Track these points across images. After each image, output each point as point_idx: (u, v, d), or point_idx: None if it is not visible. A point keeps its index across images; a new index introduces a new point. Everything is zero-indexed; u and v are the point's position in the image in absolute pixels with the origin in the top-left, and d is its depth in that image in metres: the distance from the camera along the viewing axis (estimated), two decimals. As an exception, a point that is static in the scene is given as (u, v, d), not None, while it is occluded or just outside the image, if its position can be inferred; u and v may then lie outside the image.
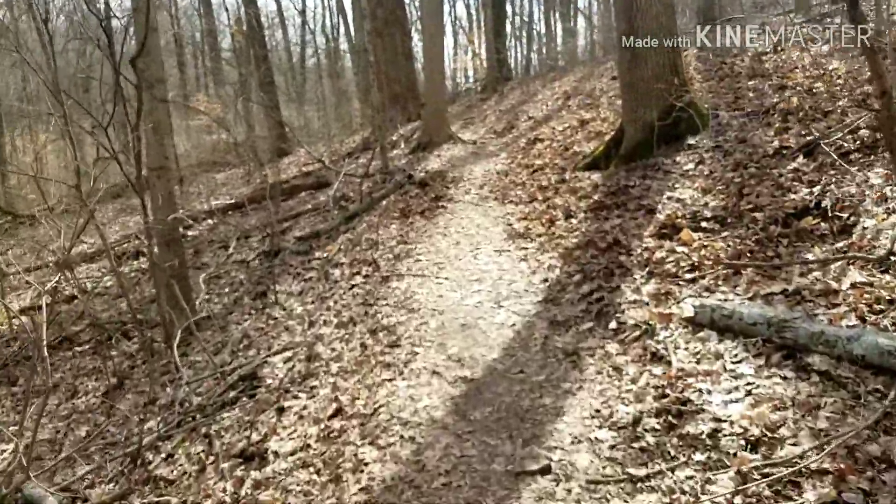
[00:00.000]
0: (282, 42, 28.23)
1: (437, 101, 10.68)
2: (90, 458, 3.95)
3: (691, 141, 5.89)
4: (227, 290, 6.74)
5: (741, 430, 2.26)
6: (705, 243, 3.96)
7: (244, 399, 3.79)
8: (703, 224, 4.26)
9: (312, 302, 5.17)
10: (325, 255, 6.60)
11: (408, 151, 10.88)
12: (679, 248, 3.95)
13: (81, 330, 6.86)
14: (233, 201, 10.91)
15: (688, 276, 3.62)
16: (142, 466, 3.41)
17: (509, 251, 5.17)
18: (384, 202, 7.91)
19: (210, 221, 10.49)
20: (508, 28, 22.62)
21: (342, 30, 27.51)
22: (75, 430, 4.46)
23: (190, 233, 10.41)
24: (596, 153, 6.82)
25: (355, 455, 2.60)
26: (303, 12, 29.07)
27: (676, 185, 5.16)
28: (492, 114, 13.26)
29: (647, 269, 3.86)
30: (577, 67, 15.09)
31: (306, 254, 6.97)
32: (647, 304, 3.46)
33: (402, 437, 2.67)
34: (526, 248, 5.12)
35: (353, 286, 5.11)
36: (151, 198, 5.41)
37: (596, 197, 5.72)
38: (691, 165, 5.40)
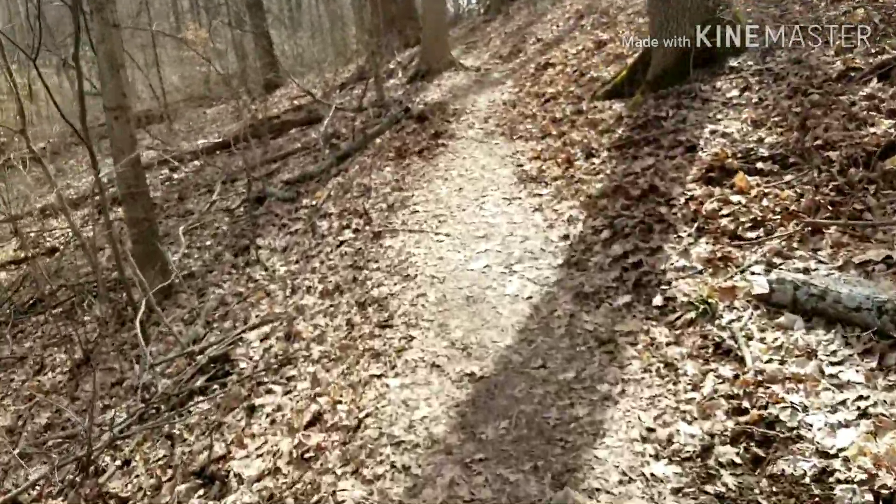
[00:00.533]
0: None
1: (436, 24, 9.47)
2: (48, 454, 3.40)
3: (733, 63, 4.92)
4: (209, 242, 6.03)
5: (863, 475, 1.59)
6: (766, 190, 3.16)
7: (214, 387, 3.17)
8: (760, 165, 3.44)
9: (297, 261, 4.47)
10: (313, 202, 5.84)
11: (405, 80, 9.80)
12: (734, 198, 3.16)
13: (56, 290, 6.24)
14: (220, 140, 9.99)
15: (749, 234, 2.85)
16: (94, 476, 2.84)
17: (520, 199, 4.38)
18: (379, 140, 7.03)
19: (196, 163, 9.67)
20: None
21: (333, -53, 25.24)
22: (36, 416, 3.90)
23: (176, 175, 9.62)
24: (617, 79, 5.85)
25: (334, 493, 1.97)
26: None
27: (719, 117, 4.28)
28: (496, 37, 11.99)
29: (694, 224, 3.09)
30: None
31: (293, 201, 6.20)
32: (701, 272, 2.73)
33: (393, 465, 2.03)
34: (540, 195, 4.33)
35: (341, 243, 4.38)
36: (111, 142, 4.60)
37: (621, 131, 4.85)
38: (736, 92, 4.49)
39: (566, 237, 3.56)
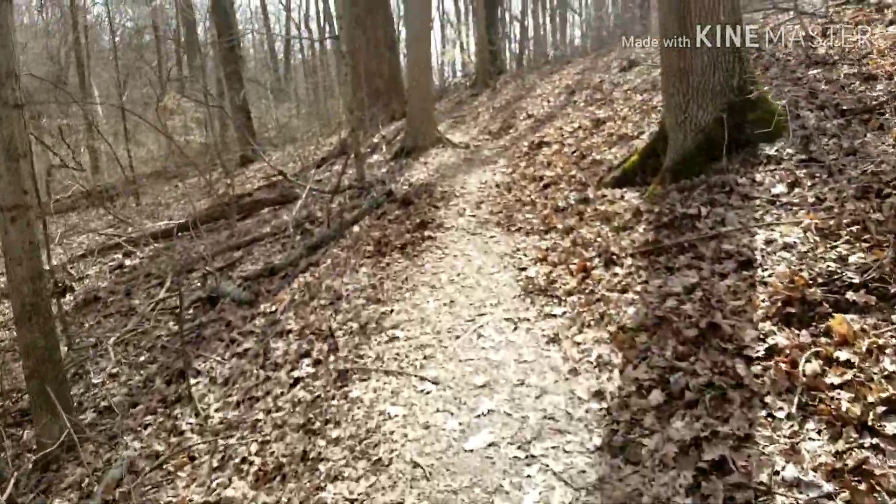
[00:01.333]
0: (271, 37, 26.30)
1: (422, 99, 8.84)
2: None
3: (769, 150, 4.14)
4: (144, 356, 4.92)
5: None
6: (880, 342, 2.23)
7: None
8: (852, 297, 2.52)
9: (239, 403, 3.39)
10: (273, 308, 4.82)
11: (389, 157, 9.05)
12: (839, 354, 2.22)
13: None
14: (183, 221, 9.03)
15: (888, 425, 1.89)
16: None
17: (528, 321, 3.41)
18: (357, 227, 6.12)
19: (155, 246, 8.67)
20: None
21: (323, 20, 25.65)
22: None
23: (128, 262, 8.57)
24: (627, 164, 5.07)
25: None
26: (287, 7, 26.98)
27: (769, 219, 3.42)
28: (485, 111, 11.46)
29: (793, 396, 2.12)
30: (575, 59, 13.30)
31: (251, 304, 5.17)
32: (830, 497, 1.73)
33: None
34: (554, 317, 3.36)
35: (296, 381, 3.33)
36: (3, 250, 3.58)
37: (642, 229, 3.98)
38: (782, 188, 3.66)
39: (599, 395, 2.55)
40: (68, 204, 13.17)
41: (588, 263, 3.77)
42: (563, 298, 3.54)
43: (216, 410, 3.38)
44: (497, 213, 5.59)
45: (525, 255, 4.39)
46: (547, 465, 2.19)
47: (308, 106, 18.64)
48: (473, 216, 5.69)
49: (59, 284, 8.34)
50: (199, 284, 6.31)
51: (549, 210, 5.14)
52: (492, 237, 5.03)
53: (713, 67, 4.30)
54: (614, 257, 3.74)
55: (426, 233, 5.23)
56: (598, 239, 4.11)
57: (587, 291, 3.50)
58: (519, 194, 5.91)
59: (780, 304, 2.61)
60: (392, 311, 3.84)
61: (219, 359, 4.07)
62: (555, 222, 4.78)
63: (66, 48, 22.45)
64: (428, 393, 2.80)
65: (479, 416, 2.56)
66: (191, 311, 5.72)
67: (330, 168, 9.98)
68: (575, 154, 6.25)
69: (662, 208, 4.10)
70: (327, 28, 23.02)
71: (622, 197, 4.69)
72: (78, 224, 11.87)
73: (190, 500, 2.58)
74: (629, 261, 3.64)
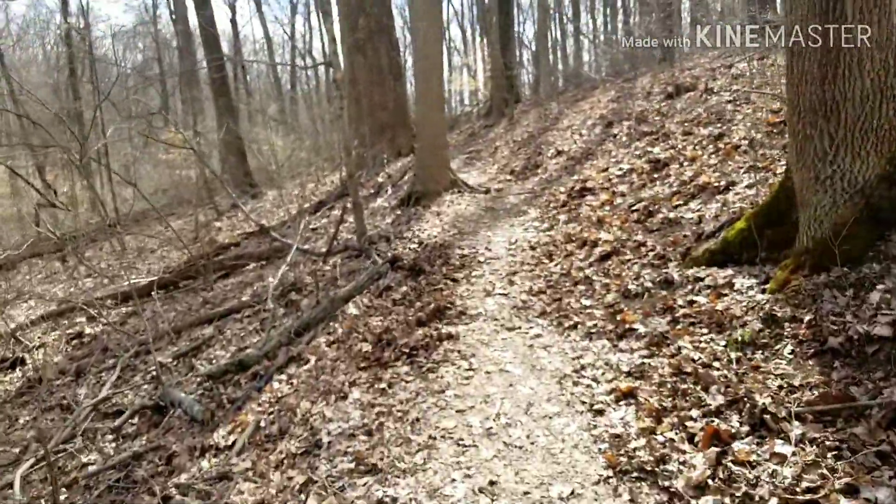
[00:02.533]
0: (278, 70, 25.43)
1: (434, 136, 7.41)
2: None
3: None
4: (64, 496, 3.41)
5: None
6: None
7: None
8: None
9: None
10: (230, 438, 3.33)
11: (395, 202, 7.61)
12: None
13: None
14: (156, 278, 7.58)
15: None
16: None
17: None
18: (352, 306, 4.63)
19: (124, 310, 7.26)
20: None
21: (328, 49, 24.68)
22: None
23: (89, 329, 7.13)
24: (730, 234, 3.54)
25: None
26: (292, 36, 26.15)
27: None
28: (503, 145, 10.04)
29: None
30: (602, 84, 11.91)
31: (203, 424, 3.69)
32: None
33: None
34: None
35: None
36: None
37: (789, 354, 2.45)
38: None
39: None
40: (28, 253, 11.75)
41: (720, 427, 2.23)
42: (691, 497, 1.99)
43: None
44: (539, 294, 4.07)
45: (596, 383, 2.86)
46: None
47: (311, 138, 17.36)
48: (506, 296, 4.19)
49: (9, 356, 6.92)
50: (150, 379, 4.83)
51: (616, 295, 3.62)
52: (537, 336, 3.50)
53: (880, 97, 2.81)
54: (766, 417, 2.19)
55: (443, 328, 3.72)
56: (719, 368, 2.57)
57: (731, 484, 1.96)
58: (565, 264, 4.40)
59: None
60: (394, 491, 2.31)
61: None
62: (630, 320, 3.26)
63: (71, 81, 21.71)
64: None
65: None
66: (135, 422, 4.25)
67: (328, 213, 8.56)
68: (635, 209, 4.75)
69: (819, 316, 2.57)
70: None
71: (731, 284, 3.17)
72: (33, 280, 10.47)
73: None
74: (796, 429, 2.10)
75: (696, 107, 6.65)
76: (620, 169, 5.87)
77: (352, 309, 4.55)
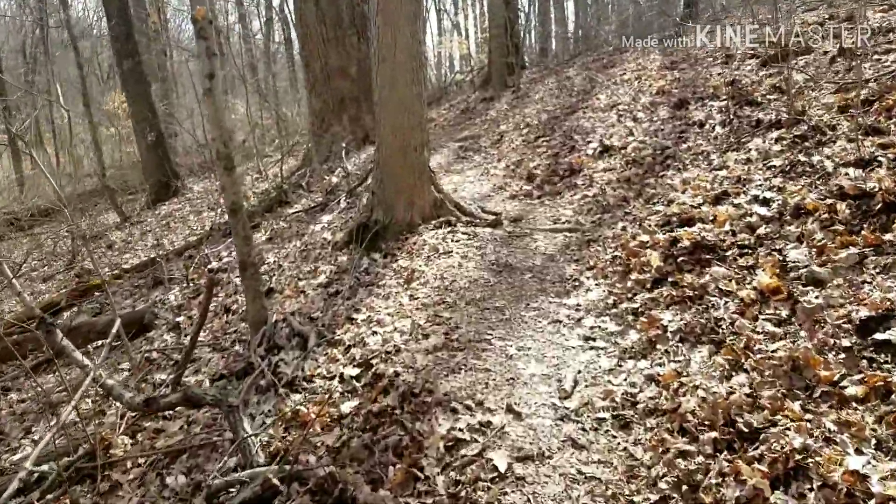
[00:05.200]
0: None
1: (404, 123, 4.12)
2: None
3: None
4: None
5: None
6: None
7: None
8: None
9: None
10: None
11: (341, 241, 4.45)
12: None
13: None
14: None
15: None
16: None
17: None
18: None
19: None
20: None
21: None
22: None
23: None
24: None
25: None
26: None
27: None
28: (512, 129, 6.93)
29: None
30: (633, 46, 8.73)
31: None
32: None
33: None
34: None
35: None
36: None
37: None
38: None
39: None
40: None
41: None
42: None
43: None
44: None
45: None
46: None
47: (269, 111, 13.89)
48: None
49: None
50: None
51: None
52: None
53: None
54: None
55: None
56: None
57: None
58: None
59: None
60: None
61: None
62: None
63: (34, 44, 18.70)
64: None
65: None
66: None
67: (217, 254, 5.50)
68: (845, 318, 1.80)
69: None
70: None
71: None
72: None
73: None
74: None
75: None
76: (764, 202, 2.90)
77: None
